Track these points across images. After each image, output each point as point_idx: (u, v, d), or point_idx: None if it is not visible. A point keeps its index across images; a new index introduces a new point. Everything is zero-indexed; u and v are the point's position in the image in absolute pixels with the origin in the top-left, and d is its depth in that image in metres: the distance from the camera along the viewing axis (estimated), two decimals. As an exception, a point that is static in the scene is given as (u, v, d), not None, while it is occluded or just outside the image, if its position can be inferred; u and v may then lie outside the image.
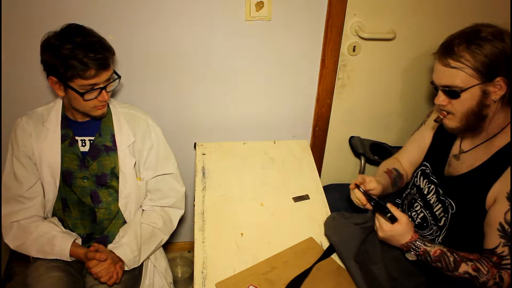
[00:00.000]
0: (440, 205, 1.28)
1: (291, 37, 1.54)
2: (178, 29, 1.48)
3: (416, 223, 1.36)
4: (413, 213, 1.38)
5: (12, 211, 1.37)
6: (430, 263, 1.16)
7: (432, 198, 1.31)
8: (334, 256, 1.27)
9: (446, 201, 1.25)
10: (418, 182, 1.38)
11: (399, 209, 1.39)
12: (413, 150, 1.44)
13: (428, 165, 1.35)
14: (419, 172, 1.38)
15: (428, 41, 1.62)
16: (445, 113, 1.17)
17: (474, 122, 1.15)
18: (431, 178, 1.33)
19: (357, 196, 1.28)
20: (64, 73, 1.21)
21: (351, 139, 1.86)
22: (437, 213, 1.29)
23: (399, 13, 1.55)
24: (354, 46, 1.61)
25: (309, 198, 1.47)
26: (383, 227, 1.17)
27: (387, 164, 1.47)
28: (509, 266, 1.08)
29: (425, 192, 1.34)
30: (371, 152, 1.78)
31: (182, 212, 1.58)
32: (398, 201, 1.51)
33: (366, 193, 1.25)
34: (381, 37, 1.59)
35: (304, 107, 1.73)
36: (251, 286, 1.17)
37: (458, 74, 1.08)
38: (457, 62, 1.08)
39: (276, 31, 1.52)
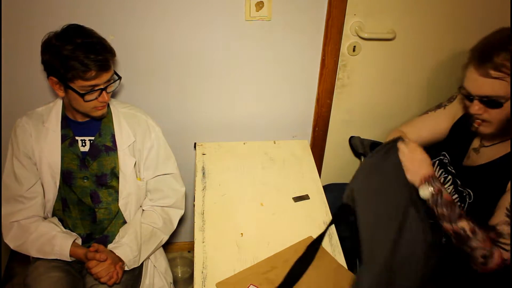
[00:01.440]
0: (456, 195, 1.28)
1: (291, 37, 1.54)
2: (178, 29, 1.48)
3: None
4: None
5: (12, 211, 1.38)
6: (435, 207, 1.15)
7: (449, 188, 1.31)
8: (333, 255, 1.27)
9: (464, 191, 1.25)
10: (436, 172, 1.37)
11: None
12: (424, 130, 1.42)
13: (447, 156, 1.34)
14: (437, 161, 1.37)
15: (428, 41, 1.62)
16: (480, 121, 1.15)
17: (508, 126, 1.14)
18: (449, 168, 1.32)
19: None
20: (64, 74, 1.21)
21: (351, 139, 1.86)
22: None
23: (399, 13, 1.55)
24: (354, 46, 1.61)
25: (309, 198, 1.47)
26: (409, 145, 1.18)
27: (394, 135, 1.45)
28: (503, 246, 1.09)
29: (443, 183, 1.33)
30: (371, 152, 1.78)
31: (182, 212, 1.58)
32: None
33: None
34: (381, 37, 1.59)
35: (304, 107, 1.73)
36: (251, 285, 1.17)
37: (501, 84, 1.06)
38: (499, 72, 1.05)
39: (276, 31, 1.52)
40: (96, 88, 1.25)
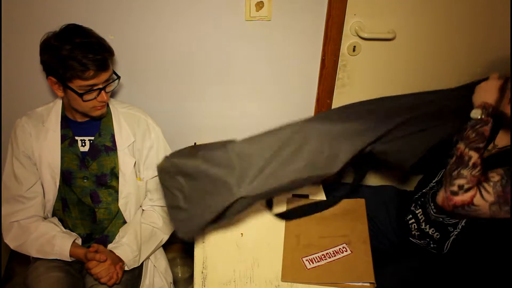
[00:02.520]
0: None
1: (291, 37, 1.54)
2: (178, 29, 1.48)
3: (439, 220, 1.34)
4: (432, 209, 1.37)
5: (12, 211, 1.38)
6: (470, 128, 1.18)
7: None
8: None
9: None
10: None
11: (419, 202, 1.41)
12: None
13: None
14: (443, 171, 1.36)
15: (428, 41, 1.62)
16: None
17: None
18: None
19: None
20: (63, 74, 1.21)
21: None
22: None
23: (399, 13, 1.55)
24: (354, 46, 1.61)
25: (308, 198, 1.47)
26: (492, 80, 1.20)
27: None
28: (483, 190, 1.12)
29: None
30: None
31: None
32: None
33: None
34: (381, 37, 1.59)
35: (304, 107, 1.73)
36: (302, 259, 1.24)
37: None
38: None
39: (276, 31, 1.52)
40: (95, 87, 1.25)
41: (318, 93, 1.69)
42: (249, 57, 1.57)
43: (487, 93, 1.20)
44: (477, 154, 1.15)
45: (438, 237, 1.34)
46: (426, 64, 1.68)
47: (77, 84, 1.22)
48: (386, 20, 1.56)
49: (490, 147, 1.27)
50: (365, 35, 1.54)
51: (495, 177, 1.13)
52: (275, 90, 1.67)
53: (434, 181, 1.42)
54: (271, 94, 1.68)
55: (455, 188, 1.15)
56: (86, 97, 1.25)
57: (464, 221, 1.28)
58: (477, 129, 1.17)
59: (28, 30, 1.41)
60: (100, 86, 1.26)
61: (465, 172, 1.14)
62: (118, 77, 1.32)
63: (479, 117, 1.18)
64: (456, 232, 1.31)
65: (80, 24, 1.26)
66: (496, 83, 1.20)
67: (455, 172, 1.16)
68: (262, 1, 1.44)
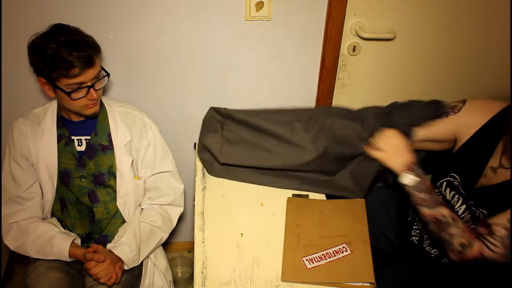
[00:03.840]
0: (469, 215, 1.23)
1: (291, 37, 1.54)
2: (178, 29, 1.48)
3: None
4: None
5: (10, 212, 1.37)
6: (416, 193, 1.13)
7: (460, 208, 1.26)
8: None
9: (477, 211, 1.20)
10: (444, 192, 1.31)
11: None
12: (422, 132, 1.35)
13: (458, 178, 1.27)
14: (444, 183, 1.31)
15: (428, 41, 1.62)
16: None
17: None
18: (461, 190, 1.26)
19: None
20: (49, 73, 1.20)
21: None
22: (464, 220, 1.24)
23: (399, 13, 1.55)
24: (354, 46, 1.61)
25: (308, 198, 1.47)
26: (389, 132, 1.15)
27: None
28: (488, 244, 1.07)
29: (453, 204, 1.28)
30: None
31: (182, 209, 1.58)
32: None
33: None
34: (381, 37, 1.59)
35: (304, 107, 1.73)
36: (302, 258, 1.23)
37: None
38: None
39: (276, 31, 1.52)
40: (83, 85, 1.24)
41: (318, 93, 1.69)
42: (249, 57, 1.57)
43: (400, 155, 1.15)
44: (444, 208, 1.10)
45: (436, 253, 1.33)
46: (426, 64, 1.68)
47: (64, 83, 1.21)
48: (386, 20, 1.56)
49: (495, 165, 1.18)
50: (365, 35, 1.54)
51: (500, 231, 1.07)
52: (275, 90, 1.67)
53: None
54: (271, 94, 1.68)
55: (458, 248, 1.10)
56: (75, 95, 1.24)
57: None
58: (423, 190, 1.13)
59: (28, 29, 1.40)
60: (89, 84, 1.25)
61: (453, 230, 1.09)
62: (107, 74, 1.31)
63: (414, 180, 1.13)
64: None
65: (80, 24, 1.26)
66: (392, 135, 1.17)
67: (447, 236, 1.11)
68: (262, 1, 1.44)
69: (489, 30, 1.61)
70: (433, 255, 1.36)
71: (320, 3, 1.48)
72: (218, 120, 1.49)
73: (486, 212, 1.18)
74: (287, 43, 1.55)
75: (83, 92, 1.25)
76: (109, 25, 1.44)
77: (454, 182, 1.29)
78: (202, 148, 1.49)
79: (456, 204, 1.28)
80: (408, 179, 1.15)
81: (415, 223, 1.40)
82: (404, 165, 1.14)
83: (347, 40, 1.60)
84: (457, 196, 1.28)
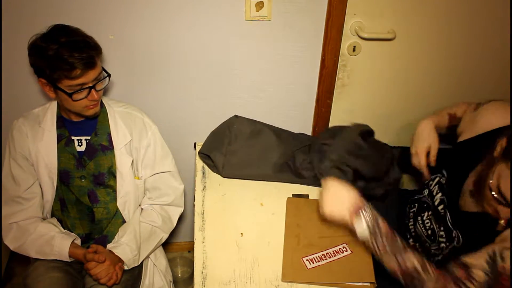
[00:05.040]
0: (443, 233, 1.21)
1: (291, 37, 1.54)
2: (178, 29, 1.48)
3: (428, 233, 1.30)
4: (422, 220, 1.33)
5: (10, 212, 1.37)
6: (374, 241, 1.03)
7: (441, 208, 1.24)
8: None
9: (454, 231, 1.18)
10: (433, 188, 1.31)
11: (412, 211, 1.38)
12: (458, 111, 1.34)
13: (445, 175, 1.26)
14: (437, 178, 1.30)
15: (428, 41, 1.62)
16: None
17: None
18: (444, 189, 1.25)
19: (422, 164, 1.32)
20: (50, 75, 1.20)
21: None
22: (441, 234, 1.22)
23: (399, 13, 1.55)
24: (354, 46, 1.61)
25: (308, 197, 1.47)
26: (327, 183, 1.07)
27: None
28: (467, 286, 0.96)
29: (436, 204, 1.27)
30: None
31: (181, 209, 1.58)
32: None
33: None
34: (381, 37, 1.59)
35: (304, 107, 1.73)
36: (303, 259, 1.23)
37: None
38: None
39: (276, 31, 1.52)
40: (85, 86, 1.23)
41: (318, 93, 1.69)
42: (249, 57, 1.57)
43: (343, 203, 1.06)
44: (411, 253, 1.00)
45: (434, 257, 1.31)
46: (426, 64, 1.68)
47: (66, 84, 1.21)
48: (386, 20, 1.56)
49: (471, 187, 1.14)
50: (365, 35, 1.54)
51: (479, 275, 0.97)
52: (275, 90, 1.67)
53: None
54: (271, 94, 1.68)
55: None
56: (76, 96, 1.24)
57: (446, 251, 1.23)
58: (380, 235, 1.03)
59: (26, 30, 1.40)
60: (90, 85, 1.24)
61: (427, 284, 0.99)
62: (108, 75, 1.31)
63: (366, 225, 1.03)
64: (438, 259, 1.25)
65: (80, 24, 1.26)
66: (331, 184, 1.09)
67: None
68: (262, 1, 1.44)
69: (489, 30, 1.61)
70: (433, 260, 1.35)
71: (320, 3, 1.48)
72: (226, 135, 1.59)
73: (461, 238, 1.15)
74: (287, 43, 1.55)
75: (84, 93, 1.25)
76: (109, 25, 1.43)
77: (441, 180, 1.28)
78: (205, 158, 1.59)
79: (439, 206, 1.25)
80: (360, 225, 1.04)
81: (410, 226, 1.40)
82: (351, 211, 1.04)
83: (347, 40, 1.60)
84: (442, 196, 1.26)
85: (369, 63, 1.66)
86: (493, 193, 0.99)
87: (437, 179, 1.30)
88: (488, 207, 1.04)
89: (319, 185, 1.50)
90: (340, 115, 1.80)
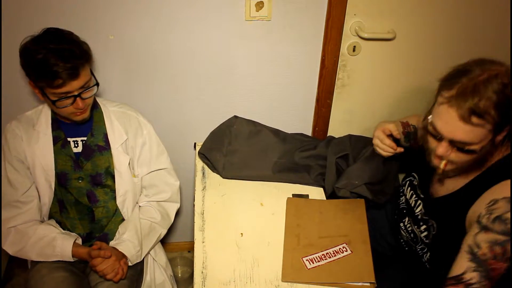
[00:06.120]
0: (424, 226, 1.23)
1: (291, 37, 1.54)
2: (178, 29, 1.48)
3: (411, 237, 1.32)
4: (404, 226, 1.34)
5: (8, 217, 1.36)
6: None
7: (419, 214, 1.25)
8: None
9: (430, 221, 1.20)
10: (406, 192, 1.33)
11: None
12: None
13: (417, 177, 1.28)
14: (407, 182, 1.32)
15: (428, 41, 1.62)
16: (446, 162, 1.03)
17: (472, 166, 1.06)
18: (418, 192, 1.26)
19: (388, 144, 1.26)
20: (35, 81, 1.20)
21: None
22: (422, 229, 1.24)
23: (399, 13, 1.55)
24: (354, 46, 1.61)
25: (308, 197, 1.47)
26: None
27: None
28: None
29: (412, 205, 1.28)
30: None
31: (178, 205, 1.59)
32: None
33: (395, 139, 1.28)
34: (381, 37, 1.59)
35: (304, 107, 1.73)
36: (302, 259, 1.23)
37: (479, 131, 0.94)
38: (481, 120, 0.92)
39: (276, 31, 1.52)
40: (69, 95, 1.22)
41: (318, 93, 1.69)
42: (249, 57, 1.57)
43: None
44: None
45: (428, 257, 1.30)
46: (426, 64, 1.68)
47: (50, 91, 1.20)
48: (386, 20, 1.56)
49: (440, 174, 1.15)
50: (365, 35, 1.54)
51: (474, 276, 0.96)
52: (275, 90, 1.67)
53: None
54: (271, 94, 1.68)
55: None
56: (60, 104, 1.23)
57: (427, 255, 1.24)
58: None
59: (25, 29, 1.40)
60: (75, 93, 1.23)
61: None
62: (97, 84, 1.29)
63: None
64: (427, 257, 1.26)
65: (80, 24, 1.26)
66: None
67: None
68: (262, 1, 1.44)
69: (489, 30, 1.61)
70: (424, 260, 1.34)
71: (320, 3, 1.48)
72: (226, 135, 1.61)
73: (435, 225, 1.16)
74: (287, 43, 1.55)
75: (69, 101, 1.24)
76: (109, 25, 1.43)
77: (414, 182, 1.29)
78: (205, 158, 1.61)
79: (417, 209, 1.26)
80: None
81: (401, 225, 1.39)
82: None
83: (347, 40, 1.60)
84: (417, 198, 1.26)
85: (369, 63, 1.66)
86: (429, 128, 1.03)
87: (408, 182, 1.32)
88: (432, 157, 1.06)
89: (319, 185, 1.51)
90: (340, 115, 1.80)
